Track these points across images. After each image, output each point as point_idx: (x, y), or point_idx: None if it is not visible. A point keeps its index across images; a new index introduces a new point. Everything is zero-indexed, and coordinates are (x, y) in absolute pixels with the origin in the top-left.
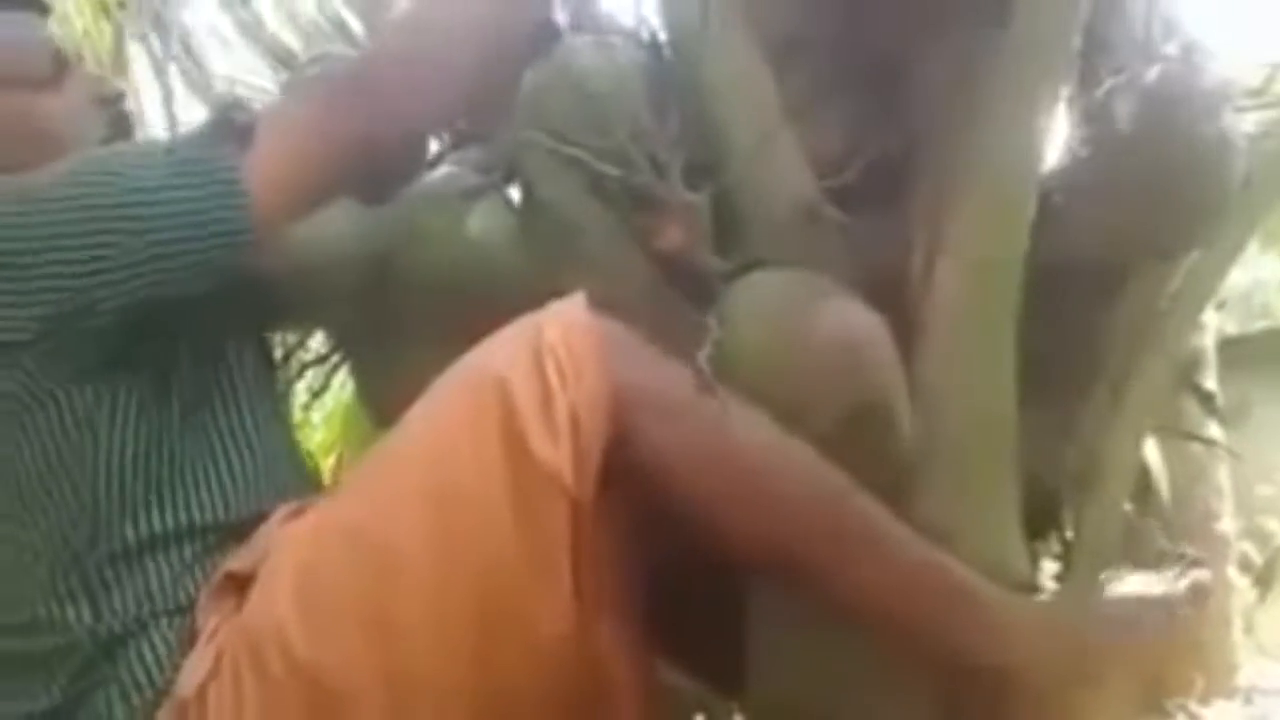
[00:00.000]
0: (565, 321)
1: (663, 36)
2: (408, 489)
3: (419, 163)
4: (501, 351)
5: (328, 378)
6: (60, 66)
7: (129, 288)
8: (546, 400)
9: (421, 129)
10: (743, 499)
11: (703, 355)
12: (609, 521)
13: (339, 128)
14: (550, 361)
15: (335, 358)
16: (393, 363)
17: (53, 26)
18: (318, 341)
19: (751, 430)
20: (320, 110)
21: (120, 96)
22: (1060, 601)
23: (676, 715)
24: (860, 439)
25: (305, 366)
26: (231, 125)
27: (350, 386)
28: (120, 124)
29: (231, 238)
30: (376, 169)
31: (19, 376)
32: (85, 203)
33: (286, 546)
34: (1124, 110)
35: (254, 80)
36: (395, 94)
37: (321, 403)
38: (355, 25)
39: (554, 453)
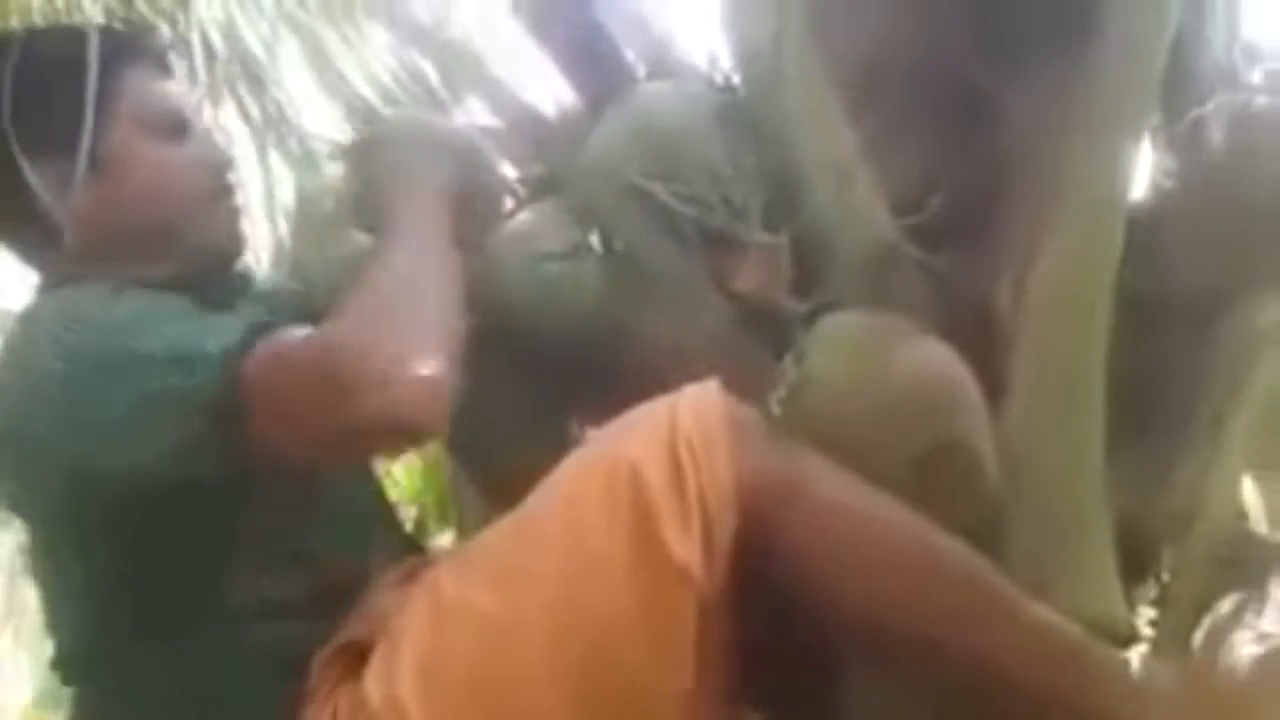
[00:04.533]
0: (699, 408)
1: (736, 79)
2: (536, 578)
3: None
4: (637, 439)
5: None
6: (182, 125)
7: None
8: (680, 493)
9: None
10: (869, 580)
11: (774, 397)
12: (726, 600)
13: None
14: (684, 452)
15: None
16: (478, 410)
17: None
18: None
19: (876, 510)
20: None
21: (228, 165)
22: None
23: None
24: (940, 481)
25: None
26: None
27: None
28: (225, 192)
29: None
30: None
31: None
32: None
33: (407, 620)
34: (1214, 139)
35: (336, 136)
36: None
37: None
38: (433, 77)
39: (685, 546)
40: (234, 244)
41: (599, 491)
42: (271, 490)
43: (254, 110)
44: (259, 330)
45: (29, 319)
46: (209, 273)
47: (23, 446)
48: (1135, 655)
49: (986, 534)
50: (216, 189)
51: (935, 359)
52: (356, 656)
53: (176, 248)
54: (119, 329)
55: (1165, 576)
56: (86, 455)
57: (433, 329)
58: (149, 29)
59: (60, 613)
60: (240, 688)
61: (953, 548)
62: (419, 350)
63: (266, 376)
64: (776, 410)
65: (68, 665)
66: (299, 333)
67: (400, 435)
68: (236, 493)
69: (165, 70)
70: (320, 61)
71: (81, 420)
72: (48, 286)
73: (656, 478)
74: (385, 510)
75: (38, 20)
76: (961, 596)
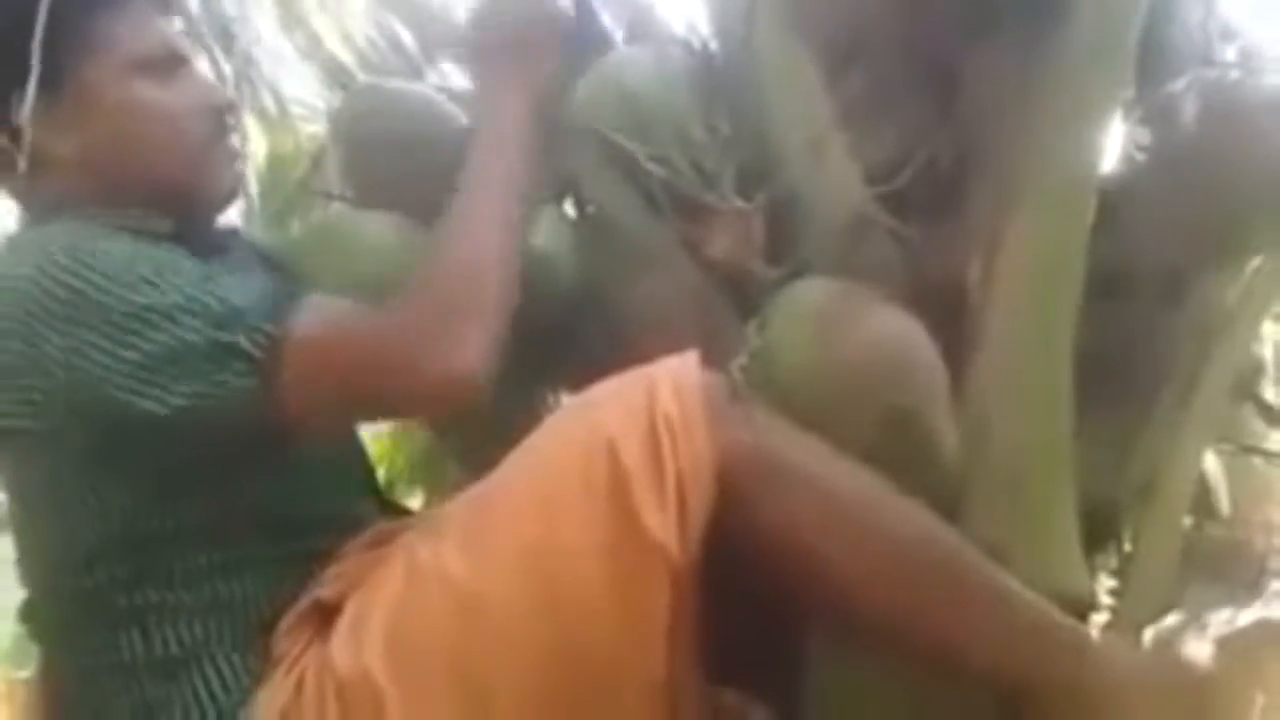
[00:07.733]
0: (678, 382)
1: (714, 45)
2: (510, 547)
3: None
4: (614, 411)
5: None
6: (178, 63)
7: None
8: (657, 468)
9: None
10: (850, 557)
11: (736, 363)
12: (701, 576)
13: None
14: (663, 426)
15: None
16: None
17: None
18: None
19: (855, 488)
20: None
21: (228, 106)
22: (1159, 640)
23: None
24: (898, 445)
25: None
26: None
27: None
28: (223, 134)
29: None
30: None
31: (53, 432)
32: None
33: (379, 586)
34: (1187, 115)
35: (310, 99)
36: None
37: None
38: (409, 41)
39: (661, 522)
40: (230, 188)
41: (575, 465)
42: (260, 451)
43: (228, 69)
44: (288, 297)
45: (31, 249)
46: (201, 220)
47: (41, 379)
48: (1096, 625)
49: (942, 504)
50: (214, 132)
51: (892, 327)
52: (324, 618)
53: (169, 194)
54: (141, 278)
55: (1126, 546)
56: (118, 393)
57: (490, 310)
58: None
59: (37, 559)
60: (210, 645)
61: (929, 524)
62: (472, 338)
63: (319, 345)
64: (738, 377)
65: (37, 616)
66: (351, 307)
67: (445, 407)
68: (235, 453)
69: (164, 6)
70: (295, 22)
71: (111, 359)
72: (31, 223)
73: (633, 453)
74: (368, 470)
75: None
76: (935, 575)
